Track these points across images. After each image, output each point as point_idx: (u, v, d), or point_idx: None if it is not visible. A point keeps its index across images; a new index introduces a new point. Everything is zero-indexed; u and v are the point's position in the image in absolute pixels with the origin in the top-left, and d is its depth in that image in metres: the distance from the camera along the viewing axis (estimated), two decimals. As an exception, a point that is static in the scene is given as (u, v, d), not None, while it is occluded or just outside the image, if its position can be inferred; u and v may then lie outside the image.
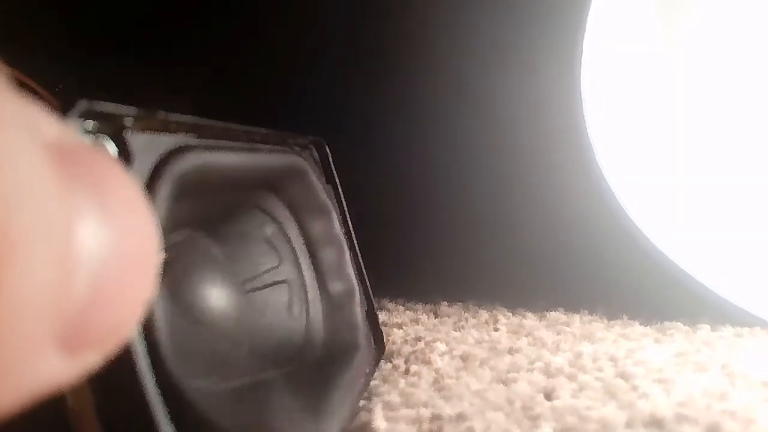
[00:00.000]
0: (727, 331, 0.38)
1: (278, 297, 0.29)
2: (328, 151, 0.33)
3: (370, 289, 0.33)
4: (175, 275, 0.22)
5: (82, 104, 0.15)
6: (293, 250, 0.30)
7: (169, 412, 0.16)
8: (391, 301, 0.47)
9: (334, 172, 0.33)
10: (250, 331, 0.26)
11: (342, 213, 0.32)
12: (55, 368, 0.09)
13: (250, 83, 0.51)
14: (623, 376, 0.30)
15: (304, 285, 0.30)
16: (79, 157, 0.09)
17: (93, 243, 0.09)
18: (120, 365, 0.15)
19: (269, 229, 0.29)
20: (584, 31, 0.39)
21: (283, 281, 0.29)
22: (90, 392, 0.15)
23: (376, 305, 0.34)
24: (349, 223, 0.33)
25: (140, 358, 0.15)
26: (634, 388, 0.28)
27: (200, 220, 0.25)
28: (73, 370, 0.09)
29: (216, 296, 0.24)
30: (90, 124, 0.15)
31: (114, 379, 0.15)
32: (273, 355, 0.26)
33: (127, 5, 0.52)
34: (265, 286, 0.28)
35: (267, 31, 0.51)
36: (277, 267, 0.29)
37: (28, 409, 0.09)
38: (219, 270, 0.25)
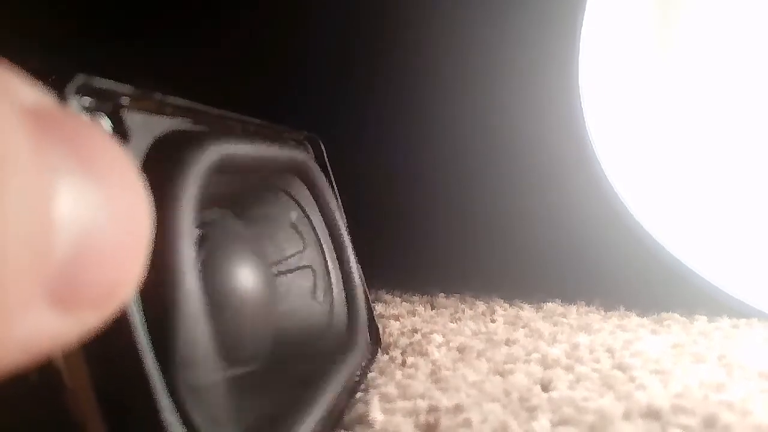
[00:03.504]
0: (724, 322, 0.38)
1: (303, 282, 0.29)
2: (323, 148, 0.33)
3: (365, 285, 0.33)
4: (208, 252, 0.21)
5: (79, 78, 0.15)
6: (317, 235, 0.30)
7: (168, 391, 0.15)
8: (388, 292, 0.46)
9: (329, 168, 0.33)
10: (274, 317, 0.26)
11: (339, 209, 0.32)
12: (49, 324, 0.09)
13: (244, 79, 0.51)
14: (620, 367, 0.30)
15: (327, 271, 0.30)
16: (58, 122, 0.09)
17: (76, 201, 0.09)
18: (118, 342, 0.15)
19: (294, 214, 0.29)
20: (581, 29, 0.39)
21: (308, 266, 0.29)
22: (87, 371, 0.15)
23: (372, 297, 0.33)
24: (344, 218, 0.33)
25: (139, 334, 0.15)
26: (631, 380, 0.28)
27: (229, 200, 0.25)
28: (71, 328, 0.09)
29: (245, 277, 0.24)
30: (87, 100, 0.15)
31: (112, 357, 0.15)
32: (292, 342, 0.26)
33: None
34: (290, 271, 0.28)
35: (261, 27, 0.51)
36: (301, 251, 0.29)
37: (27, 371, 0.09)
38: (249, 251, 0.25)
